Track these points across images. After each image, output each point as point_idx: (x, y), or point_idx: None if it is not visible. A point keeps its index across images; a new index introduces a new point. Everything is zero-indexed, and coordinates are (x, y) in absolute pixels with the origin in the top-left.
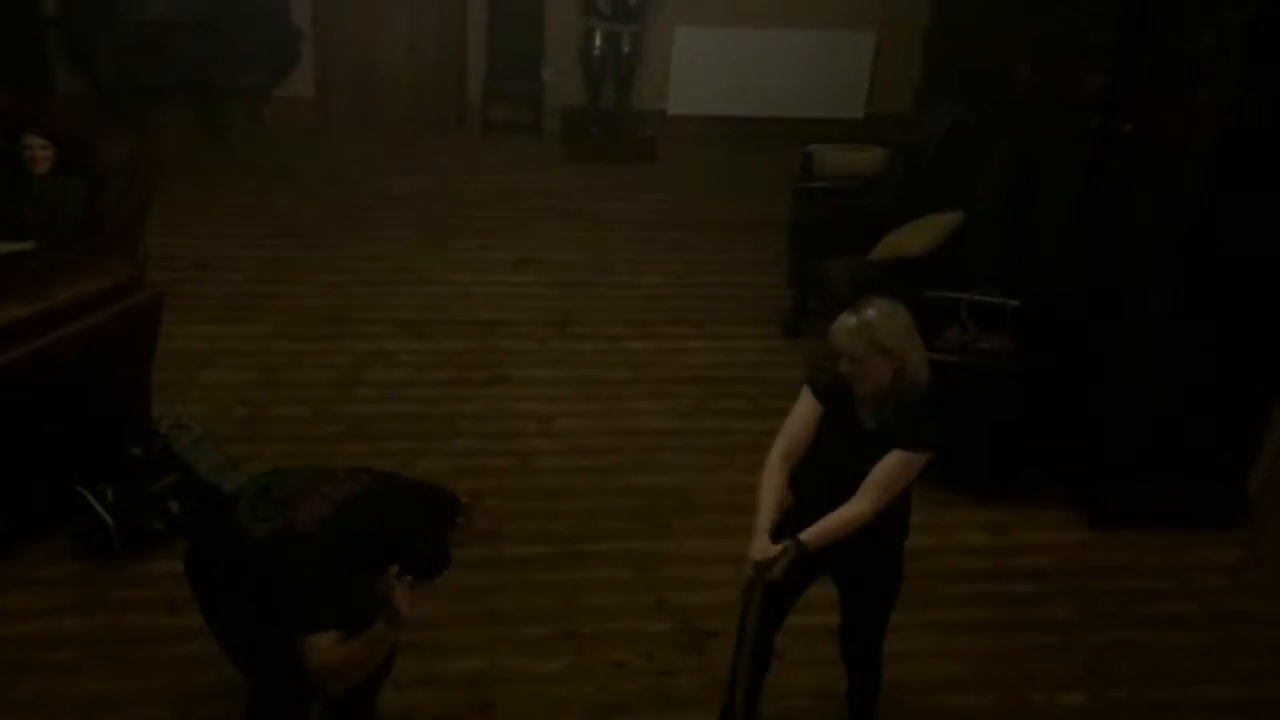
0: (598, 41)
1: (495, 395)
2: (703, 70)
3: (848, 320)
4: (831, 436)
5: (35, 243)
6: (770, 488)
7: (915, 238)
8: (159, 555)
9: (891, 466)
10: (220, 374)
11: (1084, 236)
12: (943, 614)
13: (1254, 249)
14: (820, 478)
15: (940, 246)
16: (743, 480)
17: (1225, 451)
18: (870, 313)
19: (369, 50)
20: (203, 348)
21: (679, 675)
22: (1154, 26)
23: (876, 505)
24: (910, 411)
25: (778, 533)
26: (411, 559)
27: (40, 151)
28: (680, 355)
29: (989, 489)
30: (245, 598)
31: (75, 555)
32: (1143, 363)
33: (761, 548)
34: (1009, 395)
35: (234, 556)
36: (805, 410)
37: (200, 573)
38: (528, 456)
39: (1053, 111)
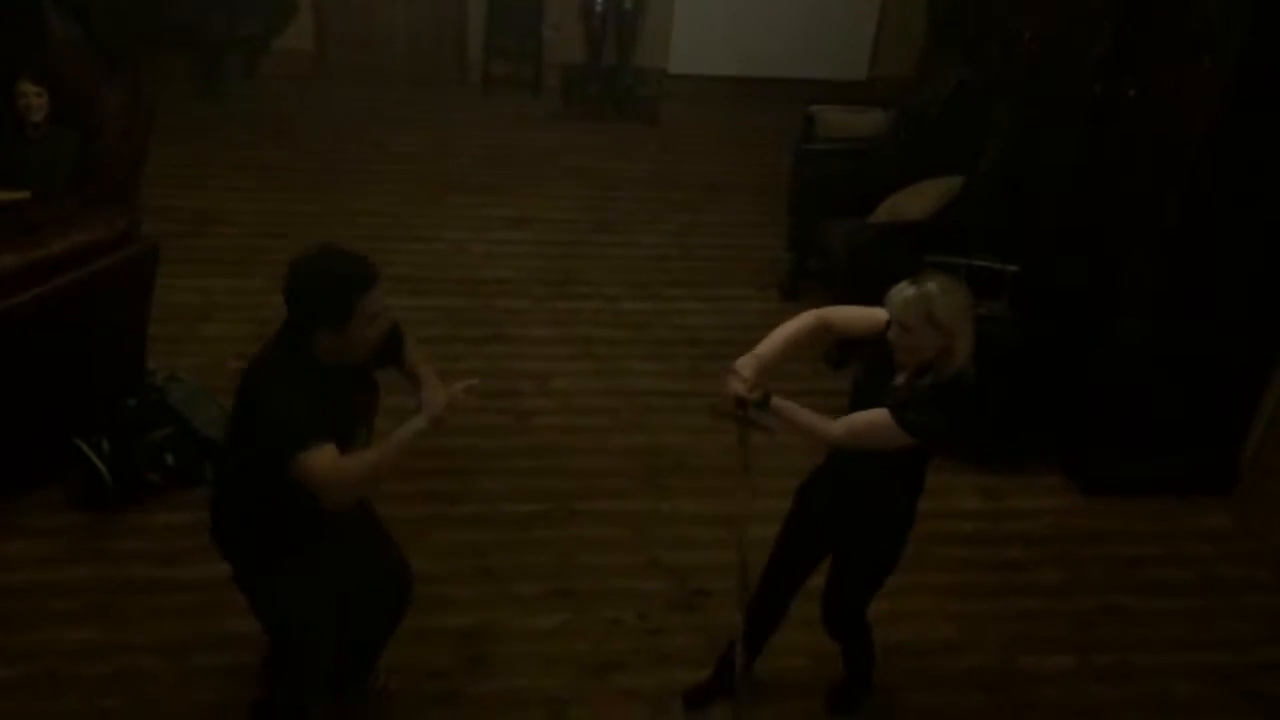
0: None
1: (492, 353)
2: (705, 29)
3: (906, 290)
4: (865, 389)
5: (30, 191)
6: (787, 328)
7: (916, 202)
8: (154, 506)
9: (871, 417)
10: (216, 327)
11: (1084, 203)
12: (936, 577)
13: (1254, 218)
14: None
15: (941, 211)
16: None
17: (1218, 420)
18: (931, 286)
19: (369, 3)
20: (198, 300)
21: (671, 634)
22: None
23: (841, 439)
24: (925, 394)
25: (801, 490)
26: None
27: (35, 99)
28: (678, 316)
29: (983, 454)
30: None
31: (71, 506)
32: (1138, 331)
33: (742, 370)
34: (1005, 361)
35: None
36: (871, 317)
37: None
38: (524, 415)
39: (1056, 76)
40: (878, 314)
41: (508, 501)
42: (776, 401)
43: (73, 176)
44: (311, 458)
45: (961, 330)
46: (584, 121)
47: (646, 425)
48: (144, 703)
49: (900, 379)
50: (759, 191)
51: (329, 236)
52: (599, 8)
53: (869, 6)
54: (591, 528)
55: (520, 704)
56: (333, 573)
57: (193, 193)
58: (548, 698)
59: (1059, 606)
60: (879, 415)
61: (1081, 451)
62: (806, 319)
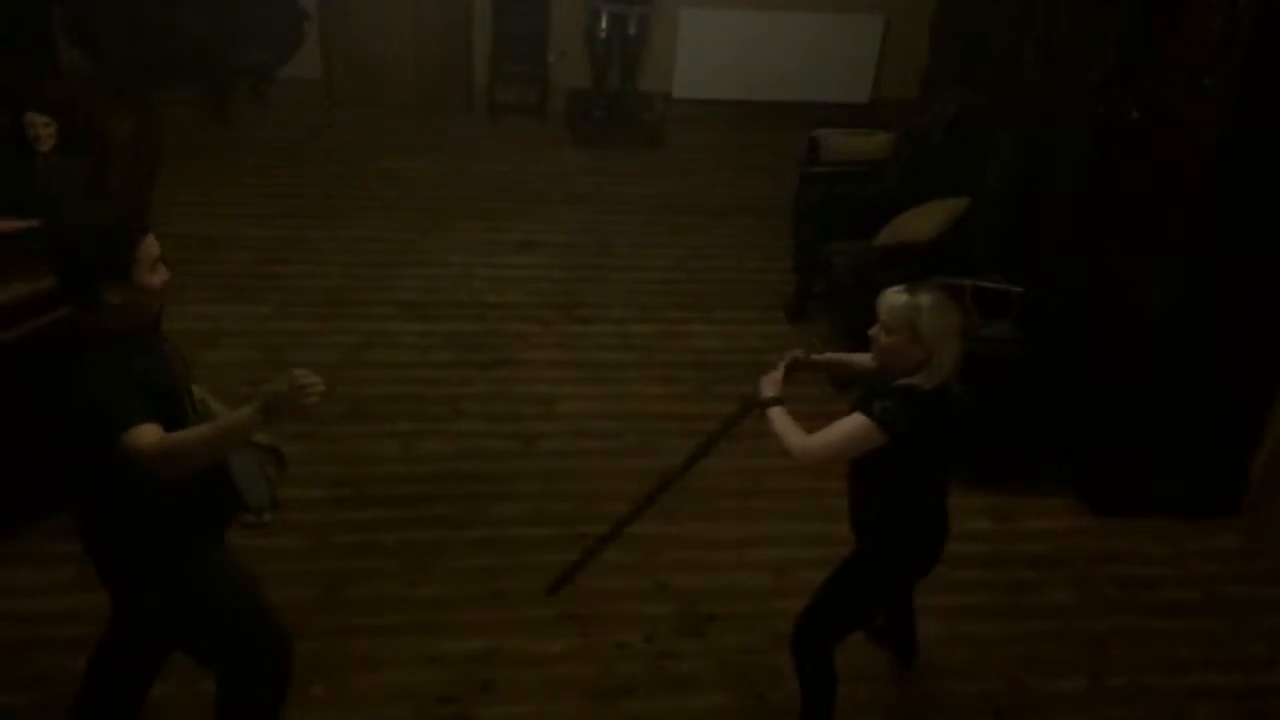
0: (603, 24)
1: (498, 377)
2: (709, 53)
3: (900, 294)
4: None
5: (39, 221)
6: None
7: (921, 223)
8: None
9: (841, 423)
10: (223, 353)
11: (1089, 223)
12: (946, 599)
13: (1258, 238)
14: None
15: (946, 232)
16: (745, 465)
17: (1227, 440)
18: (924, 298)
19: (375, 31)
20: (205, 327)
21: (679, 658)
22: (1161, 12)
23: (811, 450)
24: (894, 390)
25: None
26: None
27: (44, 129)
28: (684, 339)
29: (992, 475)
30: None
31: (80, 533)
32: (1145, 350)
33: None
34: (1012, 381)
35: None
36: None
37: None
38: (531, 439)
39: (1059, 98)
40: None
41: (516, 525)
42: (774, 411)
43: (81, 205)
44: (138, 437)
45: (942, 348)
46: (589, 146)
47: (654, 448)
48: None
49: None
50: (763, 214)
51: (336, 262)
52: (603, 33)
53: (872, 29)
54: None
55: None
56: (235, 566)
57: (200, 219)
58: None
59: (1070, 628)
60: (848, 419)
61: (1091, 472)
62: None
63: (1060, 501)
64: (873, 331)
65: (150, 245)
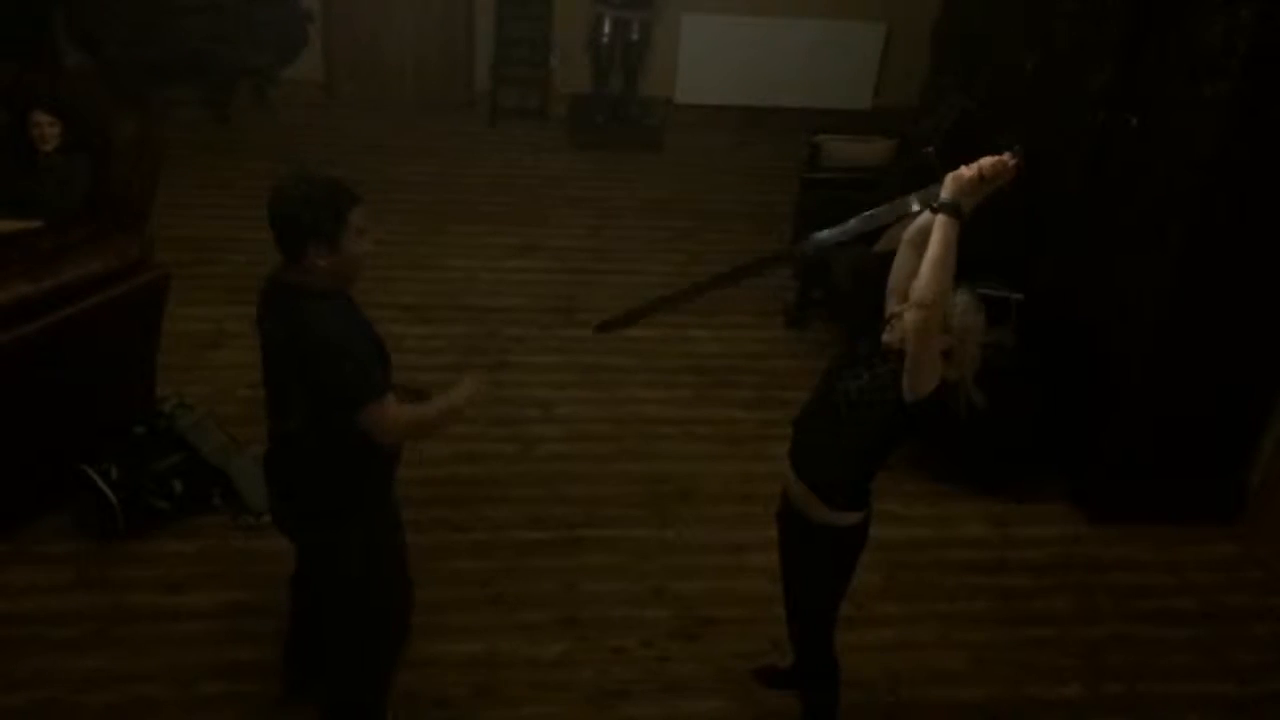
0: (606, 28)
1: (498, 381)
2: (710, 59)
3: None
4: (838, 372)
5: (42, 220)
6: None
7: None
8: (162, 534)
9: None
10: (225, 355)
11: (1088, 231)
12: (942, 606)
13: (1256, 247)
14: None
15: None
16: (744, 469)
17: (1224, 448)
18: (959, 295)
19: (377, 34)
20: (208, 328)
21: (676, 662)
22: (1161, 21)
23: (926, 289)
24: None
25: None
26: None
27: (48, 129)
28: (683, 344)
29: (989, 482)
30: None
31: (79, 533)
32: (1143, 358)
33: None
34: (1011, 389)
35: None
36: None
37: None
38: (530, 443)
39: (1058, 106)
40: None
41: (514, 529)
42: (943, 220)
43: (84, 204)
44: (385, 406)
45: (964, 344)
46: (590, 150)
47: (652, 453)
48: None
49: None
50: (764, 220)
51: None
52: (605, 38)
53: (873, 36)
54: (597, 555)
55: None
56: (393, 534)
57: (203, 221)
58: None
59: (1067, 635)
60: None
61: (1088, 479)
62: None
63: (1058, 509)
64: (898, 307)
65: (359, 215)
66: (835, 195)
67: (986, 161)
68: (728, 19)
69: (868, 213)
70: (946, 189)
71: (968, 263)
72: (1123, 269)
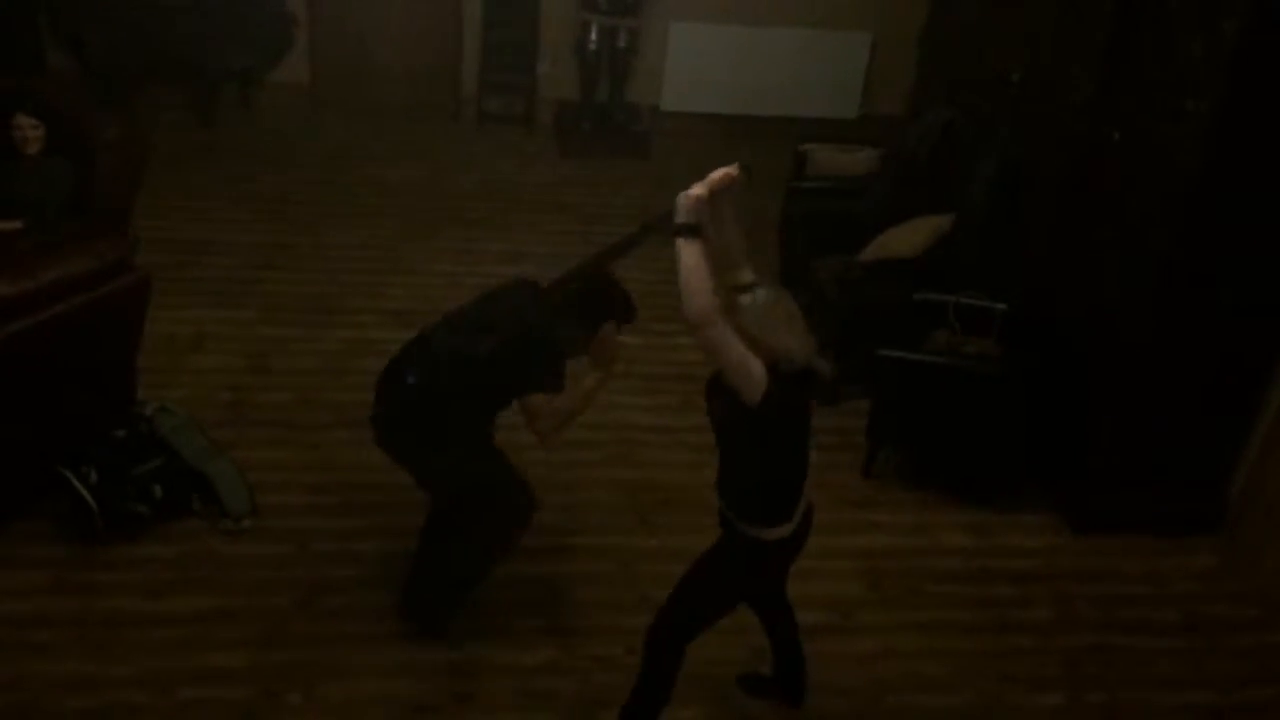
0: (593, 35)
1: None
2: (698, 67)
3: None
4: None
5: (23, 223)
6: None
7: (906, 239)
8: (141, 538)
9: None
10: (207, 359)
11: (1071, 243)
12: (924, 614)
13: (1238, 259)
14: None
15: (930, 248)
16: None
17: (1207, 460)
18: (755, 295)
19: (364, 38)
20: (189, 332)
21: None
22: (1144, 35)
23: (701, 313)
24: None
25: None
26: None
27: (31, 132)
28: (669, 351)
29: (973, 491)
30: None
31: (57, 536)
32: (1126, 370)
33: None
34: (994, 398)
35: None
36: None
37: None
38: (513, 450)
39: (1044, 117)
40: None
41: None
42: (685, 244)
43: (66, 208)
44: (550, 401)
45: (769, 338)
46: (577, 157)
47: (636, 460)
48: None
49: None
50: (749, 228)
51: (322, 269)
52: (593, 45)
53: (860, 46)
54: (580, 563)
55: None
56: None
57: (186, 224)
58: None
59: (1048, 644)
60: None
61: (1071, 489)
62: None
63: (1041, 519)
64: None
65: (610, 330)
66: (821, 204)
67: (714, 175)
68: (715, 27)
69: (617, 242)
70: (679, 211)
71: (952, 273)
72: (1106, 281)
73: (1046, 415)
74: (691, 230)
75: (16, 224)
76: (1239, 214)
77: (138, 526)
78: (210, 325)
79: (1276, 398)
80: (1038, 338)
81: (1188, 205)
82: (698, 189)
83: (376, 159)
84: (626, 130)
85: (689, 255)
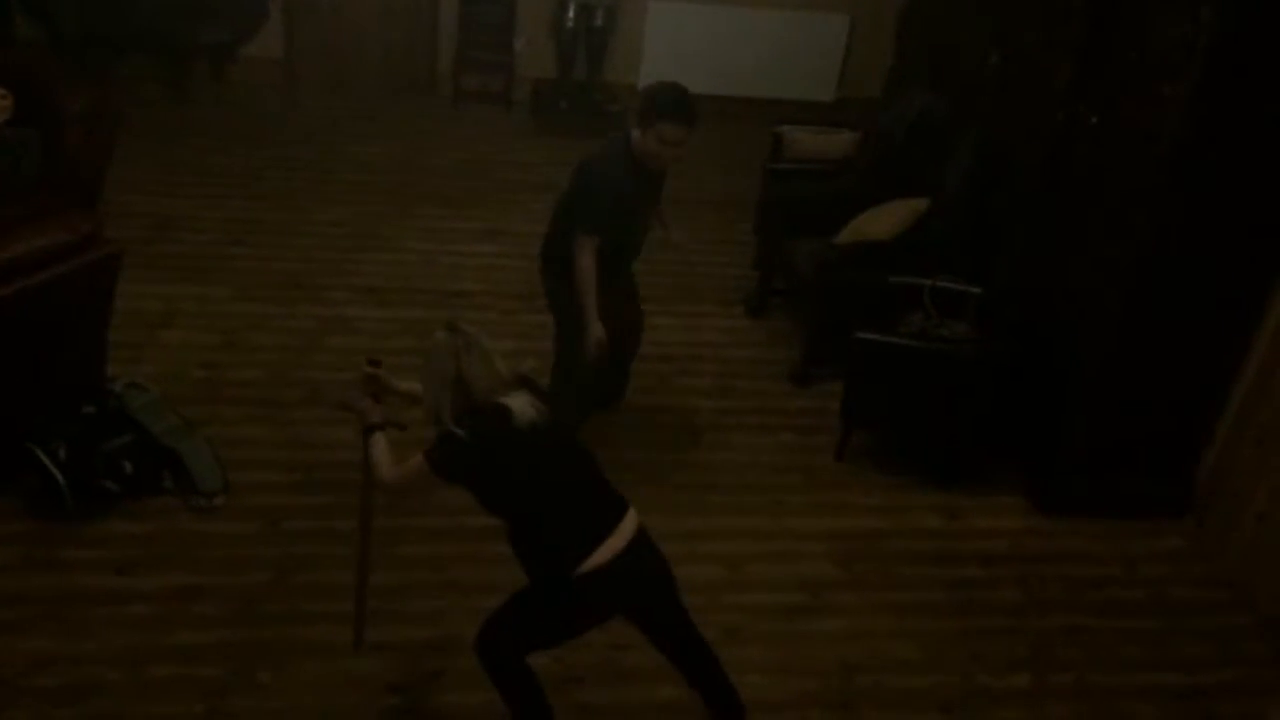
0: (571, 14)
1: None
2: (676, 46)
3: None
4: None
5: None
6: None
7: (881, 222)
8: (111, 515)
9: (412, 460)
10: (178, 335)
11: (1048, 227)
12: (895, 595)
13: (1212, 245)
14: None
15: (906, 232)
16: (704, 458)
17: (1176, 443)
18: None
19: (340, 12)
20: (160, 307)
21: (629, 650)
22: (1122, 19)
23: (387, 482)
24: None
25: None
26: None
27: (0, 101)
28: (646, 332)
29: (944, 474)
30: None
31: (26, 513)
32: (1099, 353)
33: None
34: (967, 381)
35: None
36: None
37: None
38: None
39: (1021, 101)
40: None
41: (469, 515)
42: (377, 435)
43: (35, 179)
44: (583, 243)
45: (456, 378)
46: (553, 136)
47: (611, 440)
48: (98, 714)
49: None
50: (726, 209)
51: (295, 245)
52: (570, 23)
53: (838, 28)
54: None
55: (479, 718)
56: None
57: (157, 198)
58: (505, 713)
59: (1018, 626)
60: (415, 459)
61: (1042, 472)
62: None
63: (1011, 500)
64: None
65: (671, 131)
66: (798, 186)
67: (353, 404)
68: (694, 6)
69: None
70: (369, 413)
71: (927, 256)
72: (1081, 265)
73: (1019, 398)
74: (375, 427)
75: None
76: (1215, 199)
77: (107, 503)
78: (181, 301)
79: (1245, 382)
80: (1012, 321)
81: (1166, 189)
82: (358, 404)
83: (352, 135)
84: (603, 109)
85: (369, 451)
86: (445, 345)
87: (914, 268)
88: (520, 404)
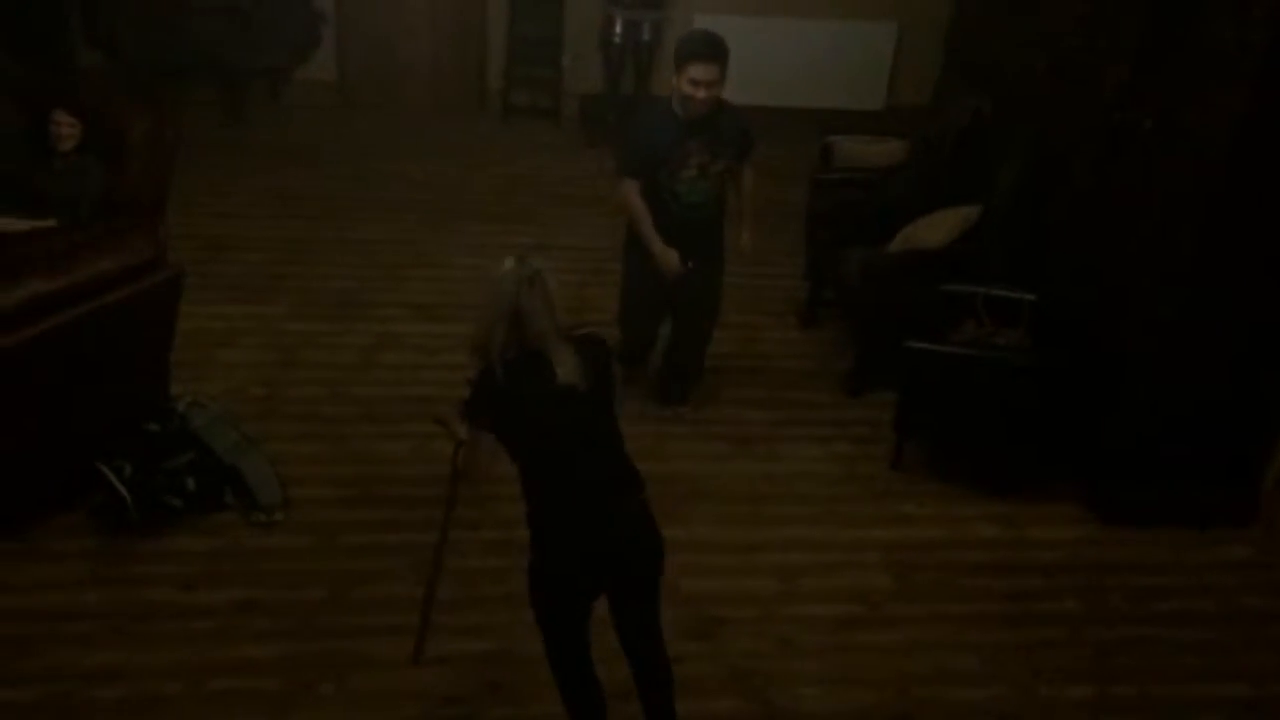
0: (618, 29)
1: None
2: None
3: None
4: None
5: (57, 219)
6: None
7: (933, 230)
8: (175, 531)
9: None
10: (237, 354)
11: (1101, 233)
12: (954, 607)
13: (1268, 249)
14: None
15: (958, 240)
16: (756, 469)
17: (1238, 451)
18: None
19: (390, 34)
20: (220, 327)
21: (687, 662)
22: (1176, 22)
23: None
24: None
25: None
26: None
27: (68, 129)
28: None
29: (1001, 483)
30: None
31: (92, 530)
32: (1157, 360)
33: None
34: (1023, 390)
35: None
36: None
37: None
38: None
39: (1072, 107)
40: None
41: (525, 528)
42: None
43: (98, 205)
44: (622, 182)
45: (514, 310)
46: (602, 150)
47: (664, 452)
48: None
49: None
50: (776, 220)
51: (347, 263)
52: (617, 38)
53: (886, 36)
54: None
55: None
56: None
57: (215, 219)
58: None
59: (1079, 637)
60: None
61: (1100, 481)
62: None
63: (1070, 510)
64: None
65: (695, 70)
66: (848, 196)
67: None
68: (740, 19)
69: None
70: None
71: (980, 264)
72: (1137, 271)
73: (1076, 406)
74: (461, 446)
75: (50, 221)
76: (1272, 202)
77: (171, 519)
78: (240, 320)
79: None
80: (1067, 329)
81: (1220, 193)
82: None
83: (402, 154)
84: None
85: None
86: (510, 275)
87: (967, 276)
88: (567, 362)
